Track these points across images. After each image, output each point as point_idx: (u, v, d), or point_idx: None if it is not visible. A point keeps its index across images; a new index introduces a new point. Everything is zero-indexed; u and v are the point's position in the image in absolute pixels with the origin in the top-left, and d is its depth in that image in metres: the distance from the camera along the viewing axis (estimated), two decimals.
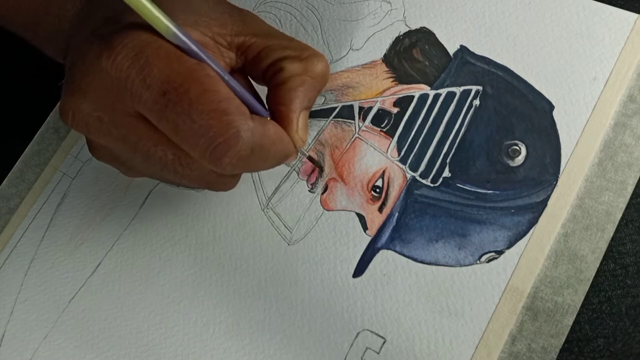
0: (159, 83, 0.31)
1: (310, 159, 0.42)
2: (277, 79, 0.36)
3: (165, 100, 0.31)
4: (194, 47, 0.33)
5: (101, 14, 0.35)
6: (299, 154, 0.37)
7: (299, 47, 0.37)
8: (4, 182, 0.47)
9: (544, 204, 0.39)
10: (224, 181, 0.37)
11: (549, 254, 0.38)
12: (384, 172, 0.41)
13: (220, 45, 0.36)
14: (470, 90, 0.42)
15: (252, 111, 0.34)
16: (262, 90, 0.38)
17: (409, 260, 0.39)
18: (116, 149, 0.35)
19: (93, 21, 0.35)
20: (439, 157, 0.41)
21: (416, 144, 0.42)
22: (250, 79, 0.38)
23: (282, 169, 0.43)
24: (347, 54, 0.45)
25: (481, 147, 0.41)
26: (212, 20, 0.36)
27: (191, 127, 0.31)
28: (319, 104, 0.44)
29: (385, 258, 0.40)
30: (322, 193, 0.42)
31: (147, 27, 0.32)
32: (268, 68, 0.36)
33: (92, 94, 0.33)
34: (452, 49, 0.43)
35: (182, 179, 0.35)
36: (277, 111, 0.36)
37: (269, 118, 0.36)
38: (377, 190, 0.41)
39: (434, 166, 0.41)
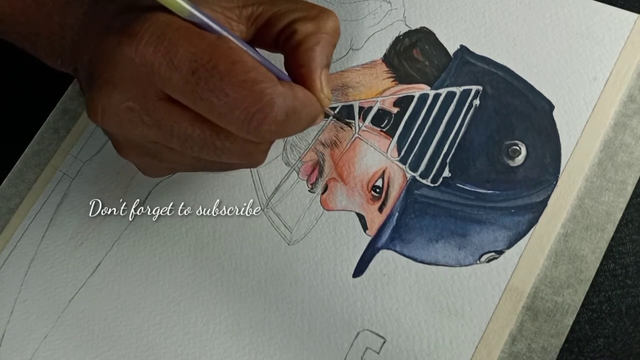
0: (187, 62, 0.31)
1: (337, 117, 0.42)
2: (291, 43, 0.36)
3: (196, 78, 0.31)
4: (211, 23, 0.33)
5: (111, 9, 0.35)
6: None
7: (306, 6, 0.37)
8: (4, 182, 0.47)
9: (544, 204, 0.39)
10: (263, 149, 0.37)
11: (549, 254, 0.38)
12: (384, 172, 0.41)
13: (230, 20, 0.36)
14: (470, 90, 0.42)
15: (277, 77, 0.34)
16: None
17: (409, 260, 0.39)
18: (151, 138, 0.35)
19: (103, 20, 0.35)
20: (439, 157, 0.41)
21: (416, 144, 0.42)
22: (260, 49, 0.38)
23: (283, 168, 0.43)
24: (347, 53, 0.45)
25: (481, 147, 0.41)
26: None
27: (226, 102, 0.31)
28: None
29: (385, 258, 0.40)
30: (322, 193, 0.42)
31: (163, 10, 0.32)
32: (280, 33, 0.36)
33: (120, 85, 0.33)
34: (452, 49, 0.43)
35: (223, 155, 0.35)
36: (297, 74, 0.36)
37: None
38: (377, 190, 0.41)
39: (434, 166, 0.41)
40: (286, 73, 0.36)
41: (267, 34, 0.37)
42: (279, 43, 0.37)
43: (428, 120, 0.42)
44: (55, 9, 0.38)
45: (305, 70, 0.35)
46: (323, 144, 0.43)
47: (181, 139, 0.34)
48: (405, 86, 0.43)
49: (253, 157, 0.36)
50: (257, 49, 0.38)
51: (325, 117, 0.43)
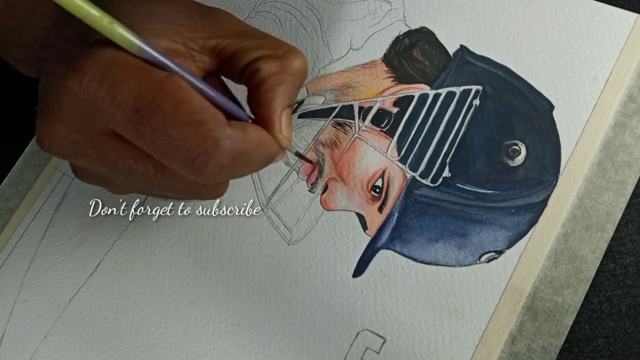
0: (130, 100, 0.31)
1: (298, 154, 0.42)
2: (254, 80, 0.35)
3: (139, 117, 0.31)
4: (162, 59, 0.32)
5: (69, 34, 0.34)
6: (286, 152, 0.37)
7: (274, 44, 0.36)
8: (4, 182, 0.47)
9: (544, 204, 0.39)
10: (211, 189, 0.36)
11: (549, 254, 0.38)
12: (383, 172, 0.41)
13: (192, 50, 0.35)
14: (470, 90, 0.42)
15: (231, 116, 0.33)
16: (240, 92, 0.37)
17: (409, 260, 0.39)
18: (97, 170, 0.34)
19: (62, 42, 0.34)
20: (439, 157, 0.41)
21: (416, 143, 0.42)
22: (228, 81, 0.38)
23: (282, 168, 0.43)
24: (347, 53, 0.45)
25: (481, 147, 0.41)
26: (181, 26, 0.35)
27: (168, 142, 0.31)
28: (318, 104, 0.44)
29: (385, 258, 0.40)
30: (322, 193, 0.42)
31: (113, 44, 0.31)
32: (244, 69, 0.35)
33: (65, 118, 0.32)
34: (452, 49, 0.43)
35: (169, 192, 0.35)
36: (258, 113, 0.35)
37: (250, 121, 0.35)
38: (377, 190, 0.41)
39: (434, 166, 0.41)
40: (247, 110, 0.36)
41: (231, 68, 0.36)
42: (243, 78, 0.36)
43: (428, 120, 0.42)
44: (24, 21, 0.37)
45: (265, 110, 0.34)
46: (323, 144, 0.43)
47: (125, 174, 0.34)
48: (405, 86, 0.43)
49: (202, 194, 0.36)
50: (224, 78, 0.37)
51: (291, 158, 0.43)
